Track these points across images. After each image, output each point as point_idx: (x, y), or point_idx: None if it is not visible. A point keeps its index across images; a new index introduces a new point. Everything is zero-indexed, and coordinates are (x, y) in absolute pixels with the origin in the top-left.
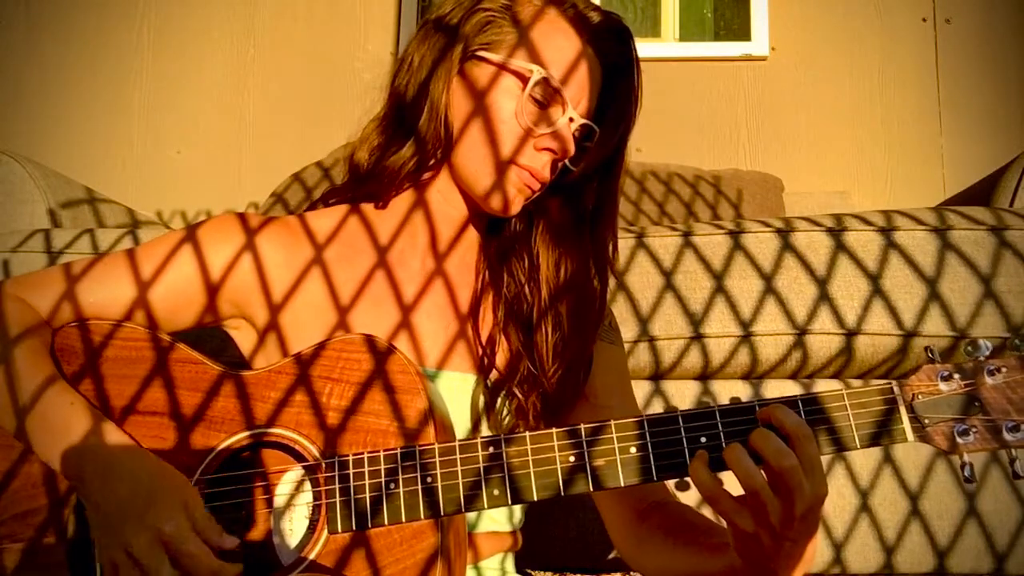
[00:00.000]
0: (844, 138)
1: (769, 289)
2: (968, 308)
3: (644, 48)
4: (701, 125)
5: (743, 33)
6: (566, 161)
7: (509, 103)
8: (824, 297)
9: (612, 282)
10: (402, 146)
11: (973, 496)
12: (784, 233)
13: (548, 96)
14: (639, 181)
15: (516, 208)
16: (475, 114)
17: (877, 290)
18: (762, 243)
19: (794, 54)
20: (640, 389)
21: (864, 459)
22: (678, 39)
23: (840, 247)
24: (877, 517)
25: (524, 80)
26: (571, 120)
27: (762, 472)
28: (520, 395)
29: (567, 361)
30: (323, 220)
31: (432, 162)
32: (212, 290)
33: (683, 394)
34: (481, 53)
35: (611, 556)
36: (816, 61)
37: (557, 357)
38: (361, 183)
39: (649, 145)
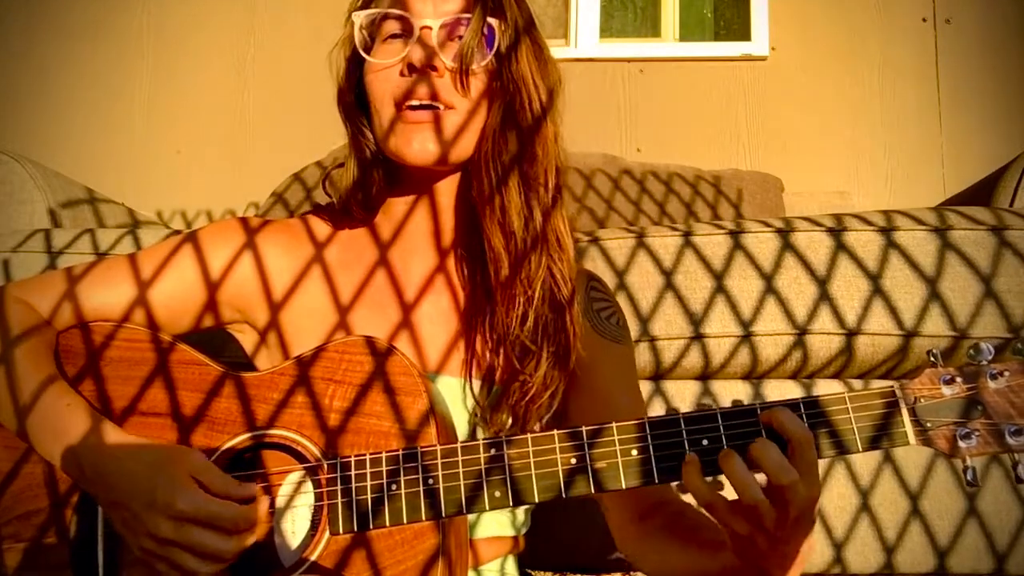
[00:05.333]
0: (844, 138)
1: (769, 289)
2: (968, 308)
3: (644, 48)
4: (701, 125)
5: (743, 33)
6: (442, 58)
7: (362, 65)
8: (824, 297)
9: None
10: (366, 164)
11: (973, 496)
12: (784, 233)
13: (384, 27)
14: (639, 181)
15: (429, 148)
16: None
17: (877, 290)
18: (762, 243)
19: (794, 54)
20: (640, 389)
21: (864, 459)
22: (678, 39)
23: (840, 247)
24: (877, 517)
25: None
26: (404, 27)
27: (758, 483)
28: (520, 398)
29: (541, 347)
30: (325, 225)
31: (379, 160)
32: (213, 293)
33: (683, 394)
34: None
35: (612, 556)
36: (816, 61)
37: (533, 345)
38: (352, 208)
39: (649, 145)
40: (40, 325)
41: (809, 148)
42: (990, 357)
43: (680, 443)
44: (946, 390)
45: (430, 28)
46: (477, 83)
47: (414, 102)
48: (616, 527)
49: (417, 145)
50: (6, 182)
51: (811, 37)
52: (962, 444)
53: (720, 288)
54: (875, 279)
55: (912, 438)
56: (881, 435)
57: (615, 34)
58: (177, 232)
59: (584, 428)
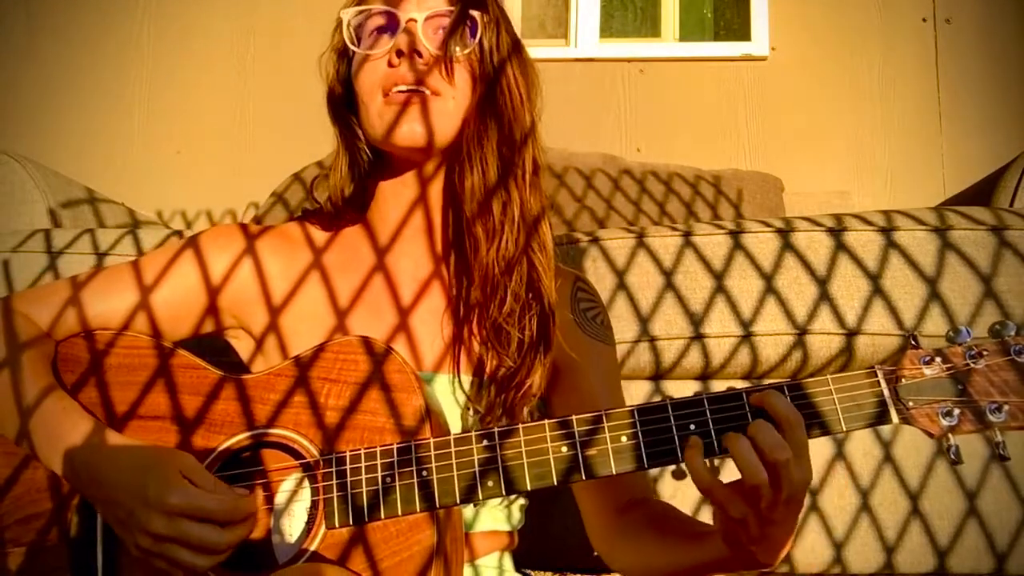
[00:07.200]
0: (844, 138)
1: (769, 289)
2: (968, 308)
3: (644, 48)
4: (701, 125)
5: (743, 33)
6: (427, 45)
7: (351, 62)
8: (824, 297)
9: (612, 281)
10: (356, 162)
11: (973, 496)
12: (784, 233)
13: (371, 23)
14: (639, 181)
15: (416, 129)
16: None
17: (877, 290)
18: (762, 243)
19: (794, 54)
20: (640, 389)
21: (864, 459)
22: (678, 39)
23: (840, 247)
24: (877, 517)
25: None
26: (390, 21)
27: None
28: (506, 384)
29: (527, 341)
30: (317, 229)
31: (368, 159)
32: (213, 298)
33: (683, 394)
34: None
35: None
36: (816, 61)
37: (509, 326)
38: (342, 211)
39: (649, 145)
40: (39, 337)
41: (809, 148)
42: (968, 339)
43: (668, 428)
44: (927, 370)
45: (415, 20)
46: (462, 71)
47: (401, 87)
48: (592, 521)
49: (405, 127)
50: (6, 182)
51: (811, 37)
52: (944, 422)
53: (720, 288)
54: (875, 279)
55: (894, 417)
56: (864, 415)
57: (615, 34)
58: (177, 232)
59: (574, 417)
